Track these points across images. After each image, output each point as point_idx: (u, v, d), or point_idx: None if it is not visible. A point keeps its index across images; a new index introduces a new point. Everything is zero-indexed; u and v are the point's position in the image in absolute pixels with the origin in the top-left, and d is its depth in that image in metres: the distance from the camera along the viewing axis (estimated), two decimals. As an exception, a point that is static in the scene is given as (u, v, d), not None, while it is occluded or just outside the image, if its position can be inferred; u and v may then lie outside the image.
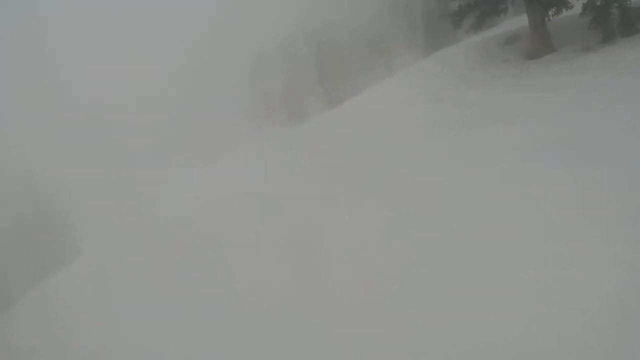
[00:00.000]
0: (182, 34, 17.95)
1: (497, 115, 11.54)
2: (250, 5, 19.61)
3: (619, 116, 9.06)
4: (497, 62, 16.06)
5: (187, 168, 14.90)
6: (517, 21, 18.87)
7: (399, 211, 8.98)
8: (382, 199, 9.64)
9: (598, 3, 13.97)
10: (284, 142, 16.08)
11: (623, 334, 4.87)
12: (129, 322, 9.39)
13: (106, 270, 12.09)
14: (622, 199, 6.69)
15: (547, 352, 5.09)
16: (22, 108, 15.51)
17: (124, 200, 14.07)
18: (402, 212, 8.92)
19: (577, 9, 14.80)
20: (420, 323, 6.17)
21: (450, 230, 7.71)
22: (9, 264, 14.24)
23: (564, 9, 15.24)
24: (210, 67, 18.30)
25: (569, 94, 11.27)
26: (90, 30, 17.00)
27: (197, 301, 8.95)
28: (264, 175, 13.22)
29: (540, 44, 15.23)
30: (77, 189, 14.66)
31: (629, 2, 13.83)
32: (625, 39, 13.66)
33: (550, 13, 15.12)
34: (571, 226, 6.62)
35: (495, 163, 9.19)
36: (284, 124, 18.20)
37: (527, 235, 6.83)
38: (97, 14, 17.65)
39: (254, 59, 20.24)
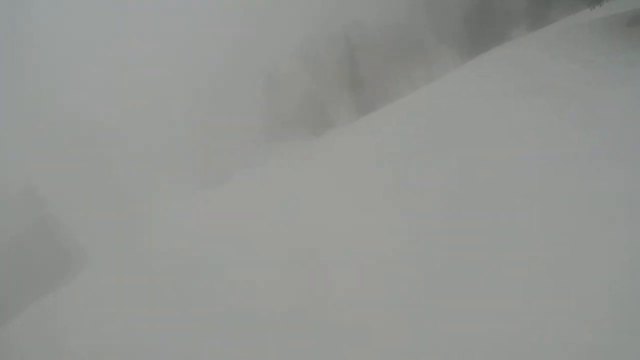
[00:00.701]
0: (193, 41, 16.76)
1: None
2: (267, 9, 17.91)
3: None
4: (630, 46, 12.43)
5: (195, 186, 14.59)
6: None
7: (406, 219, 9.00)
8: (393, 209, 9.60)
9: None
10: (302, 156, 15.32)
11: (622, 334, 4.75)
12: (129, 327, 9.36)
13: (109, 282, 12.30)
14: (622, 200, 6.47)
15: (548, 352, 5.02)
16: (18, 116, 14.56)
17: (127, 216, 13.33)
18: (413, 221, 8.86)
19: None
20: (426, 329, 6.05)
21: (454, 235, 7.63)
22: (9, 280, 13.76)
23: None
24: (223, 79, 16.94)
25: None
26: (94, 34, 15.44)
27: (197, 310, 9.07)
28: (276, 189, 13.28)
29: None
30: (78, 203, 13.63)
31: None
32: None
33: None
34: (572, 228, 6.50)
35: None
36: (306, 135, 17.09)
37: (528, 240, 6.74)
38: (102, 14, 15.90)
39: (271, 65, 18.37)
